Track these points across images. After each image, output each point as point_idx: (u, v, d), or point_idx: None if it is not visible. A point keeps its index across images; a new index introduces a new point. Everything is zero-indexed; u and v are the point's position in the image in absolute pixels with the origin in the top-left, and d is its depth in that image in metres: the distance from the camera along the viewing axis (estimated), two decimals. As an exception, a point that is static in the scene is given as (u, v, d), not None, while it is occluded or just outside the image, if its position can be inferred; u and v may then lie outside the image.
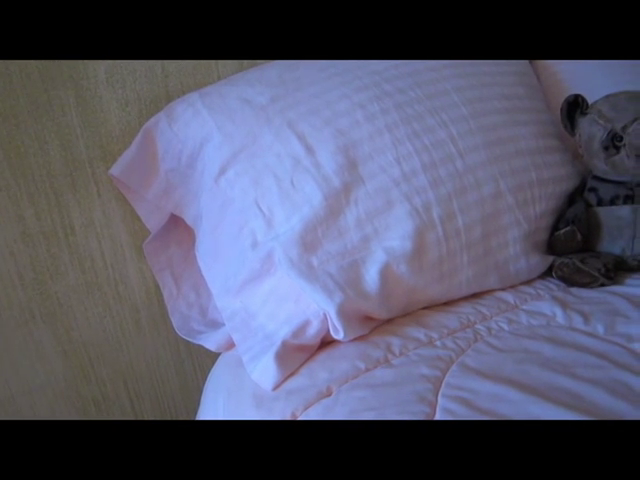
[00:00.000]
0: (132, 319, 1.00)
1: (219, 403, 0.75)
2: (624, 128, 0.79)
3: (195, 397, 0.98)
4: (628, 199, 0.82)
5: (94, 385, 1.00)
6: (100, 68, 0.88)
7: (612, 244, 0.83)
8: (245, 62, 0.95)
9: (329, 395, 0.64)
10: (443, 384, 0.62)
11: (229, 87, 0.85)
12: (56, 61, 0.85)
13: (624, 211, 0.82)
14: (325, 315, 0.70)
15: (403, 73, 0.83)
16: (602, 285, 0.79)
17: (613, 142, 0.80)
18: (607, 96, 0.84)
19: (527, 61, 0.98)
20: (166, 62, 0.91)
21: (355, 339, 0.71)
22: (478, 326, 0.73)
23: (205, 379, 0.87)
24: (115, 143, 0.91)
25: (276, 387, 0.67)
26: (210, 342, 0.84)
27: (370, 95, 0.80)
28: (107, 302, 0.97)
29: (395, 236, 0.74)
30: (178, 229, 0.93)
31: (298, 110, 0.79)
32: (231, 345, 0.80)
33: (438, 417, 0.57)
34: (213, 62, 0.94)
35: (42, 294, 0.93)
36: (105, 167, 0.91)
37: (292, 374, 0.68)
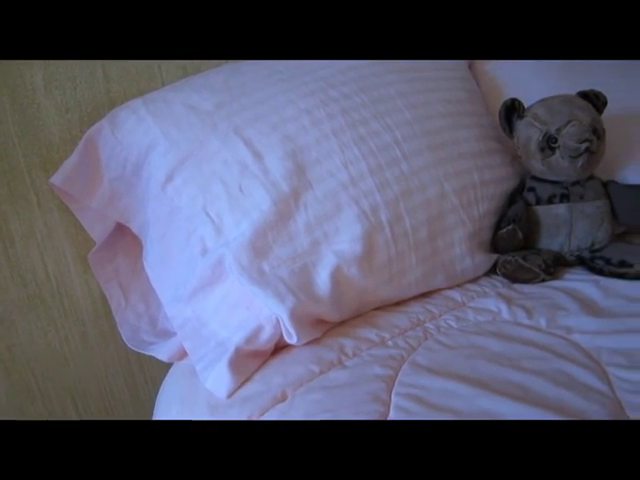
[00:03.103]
0: (78, 332, 0.97)
1: (172, 414, 0.74)
2: (558, 130, 0.83)
3: (147, 410, 0.95)
4: (564, 198, 0.86)
5: (39, 403, 0.96)
6: (37, 74, 0.85)
7: (551, 241, 0.87)
8: (189, 68, 0.94)
9: (284, 400, 0.64)
10: (396, 383, 0.63)
11: (174, 93, 0.84)
12: (-11, 67, 0.82)
13: (561, 209, 0.86)
14: (278, 320, 0.70)
15: (348, 79, 0.84)
16: (543, 280, 0.82)
17: (549, 144, 0.84)
18: (542, 100, 0.88)
19: (467, 67, 1.02)
20: (107, 68, 0.89)
21: (308, 343, 0.71)
22: (428, 324, 0.75)
23: (157, 391, 0.85)
24: (55, 151, 0.88)
25: (230, 395, 0.66)
26: (161, 352, 0.82)
27: (316, 101, 0.81)
28: (51, 316, 0.94)
29: (345, 239, 0.74)
30: (125, 238, 0.91)
31: (244, 116, 0.79)
32: (183, 355, 0.79)
33: (392, 415, 0.58)
34: (156, 68, 0.93)
35: (-20, 310, 0.89)
36: (45, 176, 0.88)
37: (246, 381, 0.67)
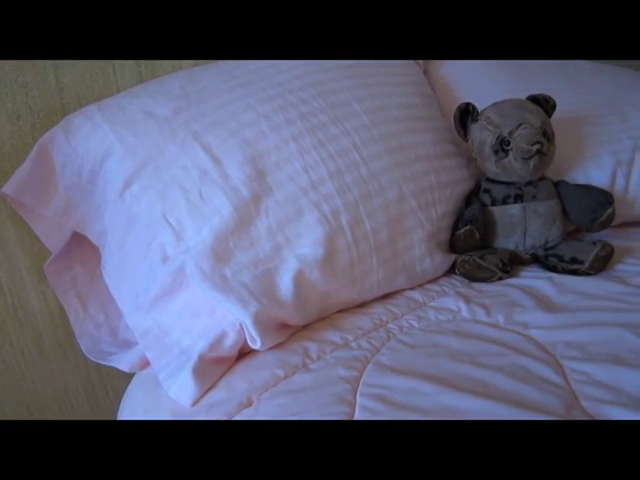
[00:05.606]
0: (35, 345, 0.94)
1: (135, 425, 0.73)
2: (510, 133, 0.86)
3: (109, 422, 0.94)
4: (518, 198, 0.89)
5: (-6, 420, 0.93)
6: (-14, 81, 0.82)
7: (506, 240, 0.89)
8: (144, 73, 0.93)
9: (250, 405, 0.63)
10: (360, 383, 0.64)
11: (130, 99, 0.83)
12: None
13: (515, 209, 0.88)
14: (241, 326, 0.69)
15: (306, 84, 0.85)
16: (500, 279, 0.84)
17: (502, 146, 0.87)
18: (495, 104, 0.91)
19: (422, 72, 1.04)
20: (60, 73, 0.88)
21: (273, 347, 0.71)
22: (390, 325, 0.76)
23: (119, 402, 0.83)
24: (7, 160, 0.86)
25: (195, 403, 0.66)
26: (122, 363, 0.80)
27: (275, 106, 0.81)
28: (6, 330, 0.91)
29: (306, 243, 0.75)
30: (82, 247, 0.89)
31: (203, 122, 0.79)
32: (145, 364, 0.78)
33: (358, 416, 0.59)
34: (111, 73, 0.91)
35: None
36: (-3, 186, 0.85)
37: (211, 388, 0.67)
